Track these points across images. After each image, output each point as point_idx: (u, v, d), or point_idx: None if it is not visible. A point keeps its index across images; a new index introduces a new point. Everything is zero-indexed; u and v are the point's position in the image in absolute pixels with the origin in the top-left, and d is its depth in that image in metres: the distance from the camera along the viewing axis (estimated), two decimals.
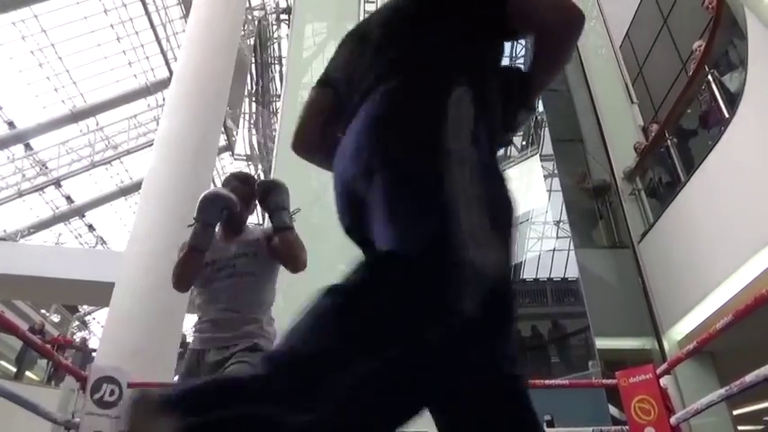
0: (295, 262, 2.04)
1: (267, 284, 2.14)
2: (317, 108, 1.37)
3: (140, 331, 5.96)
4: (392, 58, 1.13)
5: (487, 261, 0.84)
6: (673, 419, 3.28)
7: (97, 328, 22.37)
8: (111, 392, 3.61)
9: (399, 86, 1.04)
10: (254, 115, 18.21)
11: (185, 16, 15.94)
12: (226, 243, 2.16)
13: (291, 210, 2.09)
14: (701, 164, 5.68)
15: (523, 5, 1.15)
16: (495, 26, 1.17)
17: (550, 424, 4.57)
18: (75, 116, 17.82)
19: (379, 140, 1.00)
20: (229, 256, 2.10)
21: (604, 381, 4.72)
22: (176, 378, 2.02)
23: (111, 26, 17.08)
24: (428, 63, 1.08)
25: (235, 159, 18.18)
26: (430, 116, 0.97)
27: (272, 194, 2.07)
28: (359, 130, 1.04)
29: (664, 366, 3.54)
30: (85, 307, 21.90)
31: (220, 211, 2.05)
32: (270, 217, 2.10)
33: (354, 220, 1.09)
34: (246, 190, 2.17)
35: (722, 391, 2.76)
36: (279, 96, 13.25)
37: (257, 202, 2.17)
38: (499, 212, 0.96)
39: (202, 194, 2.08)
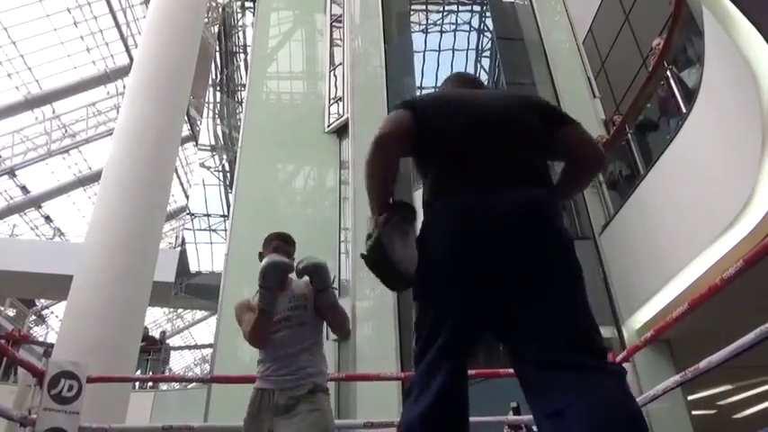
0: (346, 333, 2.62)
1: (318, 329, 2.53)
2: (406, 131, 1.57)
3: (100, 324, 5.81)
4: (538, 165, 1.53)
5: None
6: None
7: (55, 323, 21.73)
8: (70, 387, 3.51)
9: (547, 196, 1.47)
10: (218, 105, 17.89)
11: (146, 1, 15.50)
12: (279, 297, 2.49)
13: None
14: (659, 157, 5.83)
15: (571, 136, 1.55)
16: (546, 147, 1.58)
17: (516, 411, 4.65)
18: (30, 103, 17.20)
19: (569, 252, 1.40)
20: (285, 308, 2.47)
21: None
22: (245, 417, 2.37)
23: (69, 10, 16.49)
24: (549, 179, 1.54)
25: (199, 149, 17.83)
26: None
27: (316, 276, 2.43)
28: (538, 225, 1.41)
29: (623, 354, 3.64)
30: (43, 301, 21.24)
31: (281, 276, 2.44)
32: (319, 292, 2.47)
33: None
34: (290, 249, 2.57)
35: (677, 377, 2.85)
36: (244, 85, 13.05)
37: (298, 276, 2.49)
38: None
39: (265, 263, 2.38)
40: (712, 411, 9.35)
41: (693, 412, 6.81)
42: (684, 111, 5.50)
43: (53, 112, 18.26)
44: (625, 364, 3.61)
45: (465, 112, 1.57)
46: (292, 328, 2.42)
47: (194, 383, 10.90)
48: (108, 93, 19.18)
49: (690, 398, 6.95)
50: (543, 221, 1.40)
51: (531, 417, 4.19)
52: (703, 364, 2.57)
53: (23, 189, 18.80)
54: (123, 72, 17.51)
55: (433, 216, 1.51)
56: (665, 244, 5.70)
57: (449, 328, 1.37)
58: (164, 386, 11.82)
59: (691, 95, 5.45)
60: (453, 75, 1.92)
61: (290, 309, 2.47)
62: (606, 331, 6.70)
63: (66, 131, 18.66)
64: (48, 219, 20.10)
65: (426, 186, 1.56)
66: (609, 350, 4.46)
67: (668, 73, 5.98)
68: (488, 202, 1.40)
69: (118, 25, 17.18)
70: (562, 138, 1.56)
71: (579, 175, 1.66)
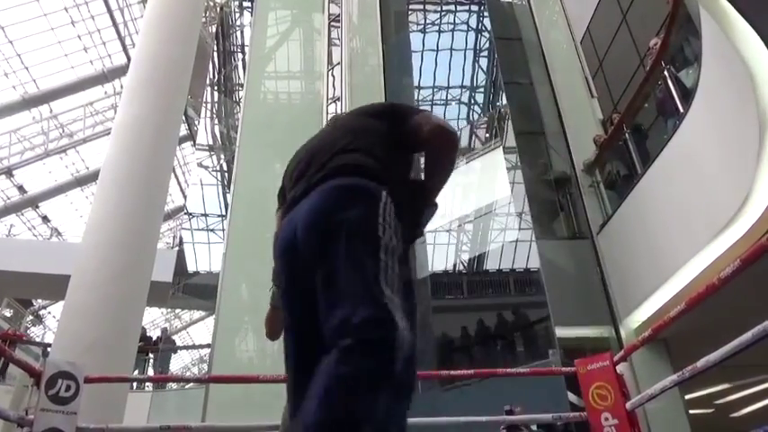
0: None
1: None
2: None
3: (98, 325, 5.79)
4: (323, 163, 1.56)
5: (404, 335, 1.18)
6: (628, 405, 3.38)
7: (52, 323, 21.69)
8: (68, 388, 3.50)
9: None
10: (216, 104, 17.86)
11: (144, 1, 15.48)
12: None
13: None
14: (657, 157, 5.84)
15: (412, 126, 1.64)
16: (401, 143, 1.64)
17: (509, 413, 4.65)
18: (28, 103, 17.14)
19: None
20: None
21: (563, 369, 4.83)
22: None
23: (66, 9, 16.44)
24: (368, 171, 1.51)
25: (197, 149, 17.80)
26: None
27: None
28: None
29: (620, 354, 3.64)
30: (40, 301, 21.19)
31: None
32: None
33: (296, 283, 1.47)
34: None
35: (675, 376, 2.86)
36: (242, 85, 13.03)
37: None
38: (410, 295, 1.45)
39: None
40: (710, 410, 9.37)
41: (691, 411, 6.83)
42: (682, 110, 5.51)
43: (50, 111, 18.21)
44: (623, 364, 3.61)
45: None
46: None
47: (192, 383, 10.88)
48: (105, 92, 19.13)
49: (687, 397, 6.97)
50: (304, 207, 1.47)
51: (528, 417, 4.21)
52: (701, 363, 2.57)
53: (20, 189, 18.75)
54: (121, 71, 17.47)
55: None
56: (663, 243, 5.72)
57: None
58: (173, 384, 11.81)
59: (688, 95, 5.46)
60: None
61: None
62: (604, 330, 6.72)
63: (63, 131, 18.62)
64: (45, 218, 20.05)
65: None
66: (607, 350, 4.47)
67: (666, 73, 5.99)
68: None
69: (115, 24, 17.14)
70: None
71: (436, 160, 1.75)
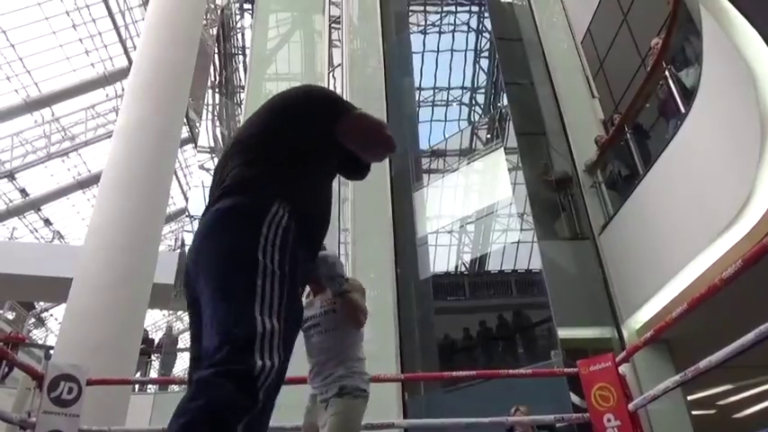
0: (355, 322, 2.41)
1: (350, 331, 2.46)
2: None
3: (100, 327, 5.81)
4: (222, 179, 1.49)
5: (268, 366, 1.16)
6: (631, 406, 3.37)
7: (55, 325, 21.71)
8: (70, 390, 3.51)
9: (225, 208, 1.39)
10: (217, 106, 17.88)
11: (145, 4, 15.49)
12: (314, 301, 2.53)
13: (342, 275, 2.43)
14: (658, 157, 5.83)
15: (347, 132, 1.54)
16: (327, 141, 1.54)
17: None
18: (30, 106, 17.18)
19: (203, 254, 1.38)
20: (316, 313, 2.47)
21: (566, 369, 4.82)
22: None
23: (67, 13, 16.48)
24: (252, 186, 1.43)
25: (198, 152, 17.82)
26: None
27: (320, 268, 2.35)
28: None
29: (622, 355, 3.63)
30: (42, 303, 21.22)
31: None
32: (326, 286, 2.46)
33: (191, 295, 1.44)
34: None
35: (677, 377, 2.85)
36: (243, 87, 13.06)
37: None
38: (292, 322, 1.32)
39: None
40: (712, 411, 9.35)
41: (693, 412, 6.81)
42: (683, 110, 5.51)
43: (52, 114, 18.25)
44: (625, 365, 3.61)
45: None
46: (321, 334, 2.44)
47: None
48: (107, 95, 19.16)
49: (690, 398, 6.95)
50: (201, 230, 1.43)
51: (531, 418, 4.20)
52: (703, 363, 2.57)
53: (23, 192, 18.79)
54: (122, 74, 17.50)
55: None
56: (665, 244, 5.71)
57: None
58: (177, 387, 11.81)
59: (689, 95, 5.45)
60: None
61: (321, 314, 2.46)
62: (606, 331, 6.71)
63: (65, 134, 18.66)
64: (47, 222, 20.09)
65: None
66: (609, 351, 4.46)
67: (667, 73, 5.99)
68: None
69: (116, 28, 17.18)
70: None
71: (367, 159, 1.76)
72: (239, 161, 1.48)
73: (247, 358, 1.15)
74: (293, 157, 1.48)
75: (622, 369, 3.55)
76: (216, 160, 16.33)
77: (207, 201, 1.53)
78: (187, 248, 2.18)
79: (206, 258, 1.36)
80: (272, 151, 1.49)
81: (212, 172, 1.78)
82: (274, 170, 1.45)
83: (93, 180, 18.56)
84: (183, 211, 20.12)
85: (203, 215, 1.48)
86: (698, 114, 5.16)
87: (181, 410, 1.11)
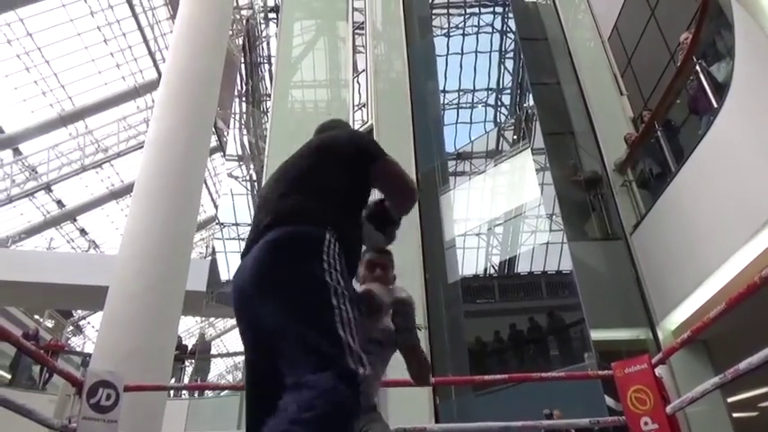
0: (424, 380, 2.20)
1: (385, 366, 2.23)
2: None
3: (135, 334, 5.93)
4: (276, 209, 1.58)
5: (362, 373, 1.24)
6: (668, 408, 3.30)
7: (92, 333, 22.26)
8: (108, 396, 3.59)
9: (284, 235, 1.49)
10: (244, 115, 18.14)
11: (173, 17, 15.85)
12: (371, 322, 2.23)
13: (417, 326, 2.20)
14: (691, 154, 5.71)
15: (379, 174, 1.74)
16: (364, 180, 1.73)
17: (549, 417, 4.59)
18: (64, 120, 17.70)
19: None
20: (367, 338, 2.13)
21: (600, 372, 4.74)
22: None
23: (98, 28, 16.95)
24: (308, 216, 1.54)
25: (226, 160, 18.10)
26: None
27: (400, 314, 2.13)
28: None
29: (659, 356, 3.56)
30: (80, 311, 21.78)
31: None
32: (396, 332, 2.16)
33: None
34: (386, 261, 2.22)
35: (716, 379, 2.78)
36: (269, 95, 13.22)
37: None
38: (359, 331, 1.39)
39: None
40: (754, 413, 9.10)
41: (734, 414, 6.62)
42: (716, 106, 5.38)
43: (86, 127, 18.76)
44: (661, 366, 3.54)
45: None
46: (372, 356, 2.20)
47: (227, 391, 11.02)
48: (137, 107, 19.63)
49: (730, 400, 6.77)
50: (255, 260, 1.49)
51: (566, 421, 4.14)
52: (743, 365, 2.50)
53: (59, 203, 19.34)
54: (152, 86, 17.92)
55: None
56: (700, 242, 5.57)
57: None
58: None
59: (721, 90, 5.33)
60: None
61: (369, 341, 2.14)
62: (641, 333, 6.58)
63: (98, 146, 19.15)
64: (83, 231, 20.64)
65: None
66: (644, 352, 4.38)
67: (697, 68, 5.86)
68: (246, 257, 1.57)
69: (146, 41, 17.60)
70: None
71: (393, 209, 1.90)
72: (291, 192, 1.62)
73: (349, 365, 1.25)
74: (338, 192, 1.64)
75: (659, 371, 3.48)
76: (243, 168, 16.60)
77: (255, 227, 1.61)
78: (232, 267, 2.21)
79: (277, 284, 1.41)
80: (321, 186, 1.63)
81: (257, 197, 1.84)
82: (324, 203, 1.59)
83: (126, 190, 19.02)
84: (212, 218, 20.45)
85: (253, 241, 1.56)
86: (731, 109, 5.03)
87: (300, 408, 1.15)
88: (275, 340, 1.35)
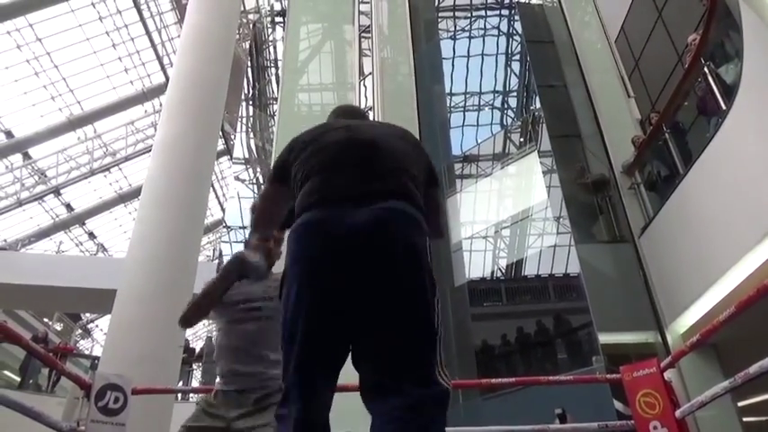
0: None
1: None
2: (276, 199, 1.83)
3: (143, 337, 5.95)
4: (405, 181, 1.54)
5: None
6: (678, 413, 3.27)
7: (100, 336, 22.36)
8: (116, 399, 3.60)
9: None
10: (251, 118, 18.21)
11: (180, 21, 15.95)
12: (254, 283, 2.25)
13: None
14: (699, 156, 5.68)
15: (434, 200, 1.71)
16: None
17: (562, 417, 4.56)
18: (73, 124, 17.83)
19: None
20: (259, 296, 2.19)
21: (608, 376, 4.71)
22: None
23: (107, 33, 17.08)
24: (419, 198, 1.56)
25: (233, 163, 18.18)
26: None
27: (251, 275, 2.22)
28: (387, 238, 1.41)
29: (668, 360, 3.53)
30: (88, 315, 21.89)
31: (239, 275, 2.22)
32: None
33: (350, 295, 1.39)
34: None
35: (726, 383, 2.76)
36: (276, 99, 13.27)
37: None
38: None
39: (235, 255, 2.21)
40: (765, 418, 9.01)
41: (744, 419, 6.57)
42: (724, 108, 5.35)
43: (94, 131, 18.89)
44: (671, 370, 3.51)
45: (332, 138, 1.66)
46: (259, 320, 2.14)
47: None
48: (145, 111, 19.75)
49: (740, 404, 6.71)
50: (394, 235, 1.40)
51: (573, 426, 4.11)
52: (753, 368, 2.48)
53: (68, 207, 19.47)
54: (159, 91, 18.02)
55: (287, 238, 1.55)
56: (709, 245, 5.53)
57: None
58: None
59: (730, 92, 5.29)
60: (338, 107, 2.08)
61: (264, 299, 2.18)
62: (649, 336, 6.54)
63: (106, 150, 19.27)
64: (91, 235, 20.76)
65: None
66: (653, 356, 4.35)
67: (705, 69, 5.83)
68: (337, 216, 1.42)
69: (153, 45, 17.71)
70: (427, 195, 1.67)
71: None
72: (404, 173, 1.56)
73: (448, 382, 1.36)
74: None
75: (668, 375, 3.45)
76: (250, 171, 16.63)
77: (362, 178, 1.52)
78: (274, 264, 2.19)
79: (432, 282, 1.41)
80: (417, 183, 1.59)
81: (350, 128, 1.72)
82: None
83: (134, 194, 19.13)
84: (220, 222, 20.52)
85: (365, 195, 1.47)
86: (740, 111, 5.00)
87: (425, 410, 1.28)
88: (400, 323, 1.35)
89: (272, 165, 1.89)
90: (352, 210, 1.42)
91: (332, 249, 1.39)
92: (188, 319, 2.26)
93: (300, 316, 1.39)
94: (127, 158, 19.60)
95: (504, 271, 9.03)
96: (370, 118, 10.24)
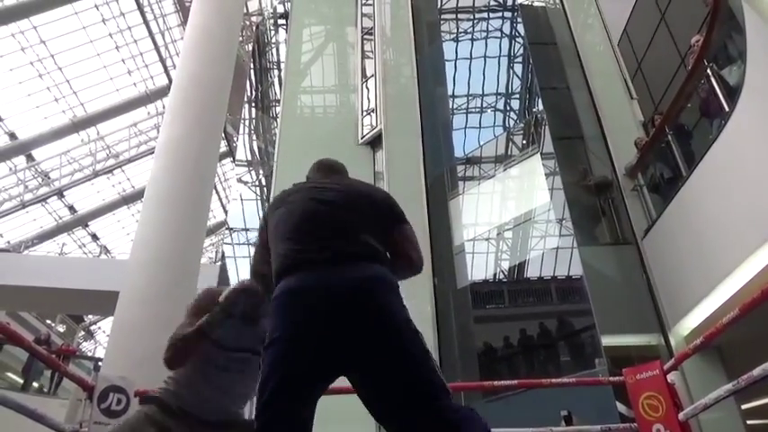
0: None
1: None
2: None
3: (146, 339, 5.95)
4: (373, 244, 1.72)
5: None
6: (681, 415, 3.26)
7: (103, 338, 22.40)
8: (119, 401, 3.60)
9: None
10: (254, 120, 18.24)
11: (183, 24, 15.99)
12: (244, 330, 2.09)
13: None
14: (702, 158, 5.66)
15: (400, 237, 1.86)
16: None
17: (568, 419, 4.54)
18: (76, 126, 17.88)
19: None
20: (248, 347, 2.06)
21: (611, 378, 4.70)
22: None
23: (110, 35, 17.14)
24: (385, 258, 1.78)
25: (236, 165, 18.20)
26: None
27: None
28: (362, 290, 1.59)
29: (671, 362, 3.52)
30: (91, 316, 21.93)
31: (249, 307, 2.05)
32: None
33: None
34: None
35: (730, 385, 2.75)
36: (278, 101, 13.29)
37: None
38: None
39: (232, 288, 2.03)
40: None
41: (748, 422, 6.54)
42: (727, 109, 5.34)
43: (97, 133, 18.94)
44: (674, 373, 3.50)
45: (305, 200, 1.83)
46: (242, 373, 2.03)
47: None
48: (148, 113, 19.81)
49: (744, 407, 6.69)
50: (372, 298, 1.59)
51: (577, 428, 4.10)
52: (757, 371, 2.47)
53: (71, 209, 19.52)
54: (162, 93, 18.07)
55: (272, 300, 1.67)
56: (712, 247, 5.52)
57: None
58: None
59: (733, 94, 5.28)
60: (316, 163, 2.17)
61: (254, 352, 2.02)
62: (652, 338, 6.52)
63: (109, 152, 19.32)
64: (94, 237, 20.81)
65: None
66: (656, 358, 4.34)
67: (709, 71, 5.82)
68: (319, 280, 1.59)
69: (157, 48, 17.77)
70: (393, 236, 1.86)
71: (398, 271, 1.84)
72: (366, 232, 1.75)
73: None
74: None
75: (671, 377, 3.44)
76: (253, 173, 16.68)
77: (330, 246, 1.67)
78: (241, 272, 2.20)
79: (395, 327, 1.58)
80: (380, 240, 1.78)
81: (311, 210, 1.82)
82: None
83: (137, 196, 19.18)
84: (222, 223, 20.55)
85: (332, 260, 1.63)
86: (743, 112, 4.99)
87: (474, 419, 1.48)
88: (408, 369, 1.52)
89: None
90: (325, 275, 1.60)
91: (315, 314, 1.55)
92: (172, 362, 2.04)
93: (285, 365, 1.53)
94: (130, 160, 19.66)
95: (506, 273, 9.02)
96: (368, 121, 10.26)
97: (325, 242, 1.67)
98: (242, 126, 17.23)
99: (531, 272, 8.71)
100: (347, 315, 1.53)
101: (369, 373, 1.55)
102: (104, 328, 22.50)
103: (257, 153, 17.81)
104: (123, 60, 17.91)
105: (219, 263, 16.05)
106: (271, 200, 1.84)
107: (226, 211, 21.90)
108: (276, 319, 1.60)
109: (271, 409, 1.49)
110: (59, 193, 18.69)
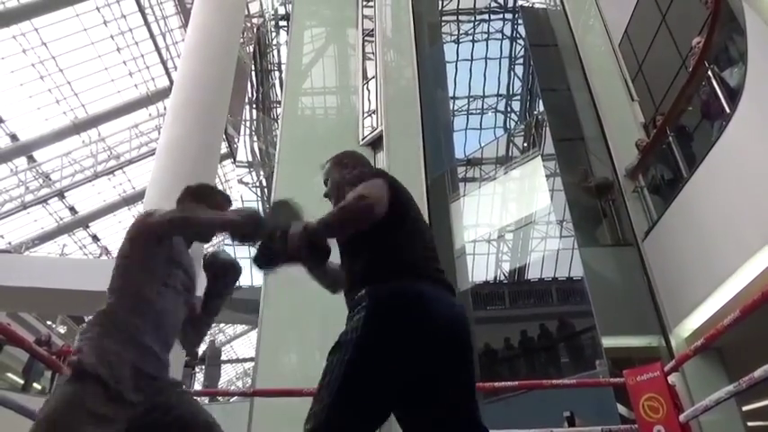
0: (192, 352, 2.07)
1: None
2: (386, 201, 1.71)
3: None
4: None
5: None
6: (682, 417, 3.26)
7: None
8: None
9: None
10: (254, 122, 18.26)
11: (184, 25, 16.02)
12: (184, 252, 1.96)
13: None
14: (703, 159, 5.66)
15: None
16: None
17: (571, 420, 4.54)
18: (78, 127, 17.91)
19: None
20: (184, 270, 1.93)
21: (612, 380, 4.70)
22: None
23: (111, 37, 17.17)
24: None
25: (237, 166, 18.22)
26: None
27: (230, 277, 2.07)
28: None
29: (671, 364, 3.52)
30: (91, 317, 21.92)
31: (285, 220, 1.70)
32: (216, 294, 2.03)
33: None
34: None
35: (731, 387, 2.75)
36: (279, 102, 13.30)
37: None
38: None
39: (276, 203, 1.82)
40: None
41: (749, 423, 6.53)
42: (728, 111, 5.34)
43: (98, 134, 18.97)
44: (674, 374, 3.50)
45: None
46: (179, 297, 1.89)
47: (237, 397, 11.04)
48: (150, 114, 19.83)
49: (745, 408, 6.67)
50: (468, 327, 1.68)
51: (577, 429, 4.10)
52: (758, 372, 2.47)
53: (72, 210, 19.54)
54: (163, 94, 18.10)
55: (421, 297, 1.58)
56: (713, 248, 5.52)
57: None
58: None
59: (734, 95, 5.28)
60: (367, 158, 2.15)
61: (190, 276, 1.93)
62: (653, 340, 6.52)
63: (110, 153, 19.35)
64: (95, 238, 20.82)
65: (393, 253, 1.66)
66: (657, 360, 4.34)
67: (710, 73, 5.82)
68: (447, 300, 1.64)
69: (158, 49, 17.79)
70: None
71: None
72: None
73: None
74: None
75: (672, 379, 3.44)
76: (254, 174, 16.68)
77: (444, 277, 1.71)
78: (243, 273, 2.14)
79: (468, 359, 1.63)
80: None
81: (427, 236, 1.87)
82: None
83: (138, 197, 19.19)
84: None
85: (450, 288, 1.69)
86: (744, 114, 4.99)
87: None
88: (467, 393, 1.58)
89: (382, 181, 1.76)
90: (451, 296, 1.67)
91: (447, 329, 1.57)
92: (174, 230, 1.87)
93: (390, 381, 1.51)
94: (131, 161, 19.68)
95: (507, 275, 9.02)
96: (369, 123, 10.26)
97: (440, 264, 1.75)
98: (243, 127, 17.25)
99: (532, 273, 8.72)
100: (461, 346, 1.61)
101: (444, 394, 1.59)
102: None
103: (258, 154, 17.82)
104: (124, 62, 17.95)
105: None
106: (390, 178, 1.80)
107: None
108: (417, 319, 1.52)
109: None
110: (60, 195, 18.71)
